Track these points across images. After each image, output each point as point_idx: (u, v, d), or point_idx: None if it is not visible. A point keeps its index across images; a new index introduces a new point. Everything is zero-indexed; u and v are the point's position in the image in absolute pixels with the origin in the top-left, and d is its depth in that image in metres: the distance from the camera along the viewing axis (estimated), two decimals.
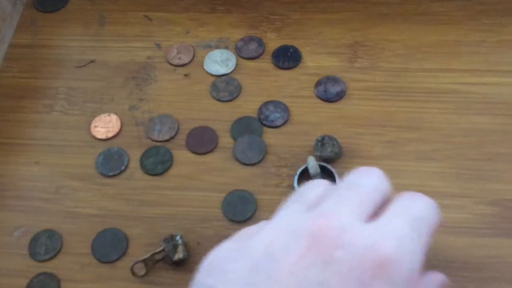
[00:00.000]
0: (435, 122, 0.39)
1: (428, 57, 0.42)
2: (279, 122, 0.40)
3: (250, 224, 0.36)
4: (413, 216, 0.22)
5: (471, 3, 0.44)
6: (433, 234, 0.23)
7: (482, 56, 0.41)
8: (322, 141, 0.37)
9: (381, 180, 0.24)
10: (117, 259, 0.36)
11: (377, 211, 0.23)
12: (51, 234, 0.37)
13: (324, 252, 0.20)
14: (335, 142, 0.37)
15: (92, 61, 0.44)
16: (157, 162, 0.39)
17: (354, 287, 0.19)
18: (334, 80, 0.41)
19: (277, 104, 0.41)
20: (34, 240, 0.36)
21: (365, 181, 0.24)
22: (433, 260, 0.34)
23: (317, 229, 0.21)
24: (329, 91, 0.41)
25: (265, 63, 0.43)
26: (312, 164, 0.36)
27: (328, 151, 0.37)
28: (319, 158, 0.37)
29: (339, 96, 0.41)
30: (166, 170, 0.39)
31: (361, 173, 0.25)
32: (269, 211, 0.36)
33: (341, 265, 0.20)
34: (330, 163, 0.38)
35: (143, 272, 0.35)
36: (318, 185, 0.25)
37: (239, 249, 0.22)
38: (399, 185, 0.36)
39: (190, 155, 0.39)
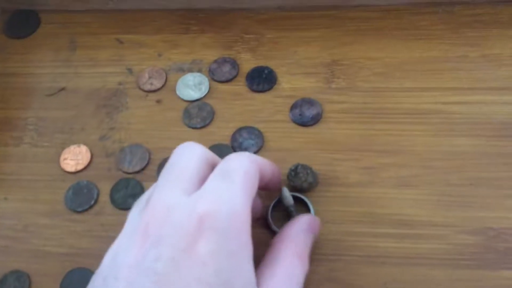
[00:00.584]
0: (415, 146, 0.37)
1: (409, 75, 0.40)
2: (252, 150, 0.38)
3: None
4: (223, 171, 0.25)
5: (455, 15, 0.42)
6: (253, 178, 0.26)
7: (465, 72, 0.39)
8: (295, 171, 0.36)
9: (195, 151, 0.27)
10: None
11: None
12: (19, 275, 0.36)
13: (154, 235, 0.23)
14: (309, 171, 0.36)
15: (62, 89, 0.43)
16: (127, 196, 0.38)
17: (186, 246, 0.22)
18: (309, 102, 0.40)
19: (251, 130, 0.39)
20: (2, 282, 0.35)
21: (179, 159, 0.27)
22: None
23: (147, 220, 0.24)
24: (305, 115, 0.39)
25: (239, 86, 0.41)
26: (286, 195, 0.34)
27: (302, 181, 0.36)
28: (293, 188, 0.36)
29: (315, 120, 0.39)
30: None
31: (175, 152, 0.27)
32: None
33: (169, 237, 0.22)
34: (305, 193, 0.36)
35: None
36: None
37: (96, 271, 0.25)
38: (374, 215, 0.35)
39: None
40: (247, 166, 0.26)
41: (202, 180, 0.26)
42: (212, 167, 0.27)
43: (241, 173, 0.25)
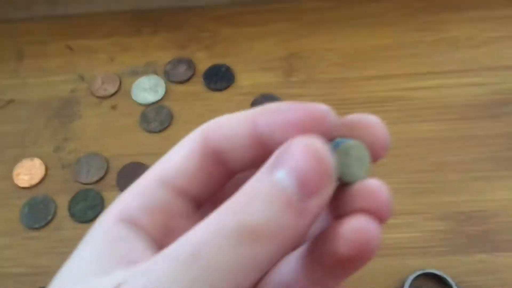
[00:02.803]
0: None
1: (367, 64, 0.39)
2: None
3: None
4: None
5: (408, 0, 0.42)
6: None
7: (422, 57, 0.39)
8: None
9: None
10: None
11: None
12: None
13: None
14: None
15: (11, 101, 0.41)
16: (86, 208, 0.36)
17: None
18: (270, 98, 0.39)
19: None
20: None
21: None
22: (385, 286, 0.32)
23: None
24: None
25: (197, 86, 0.40)
26: None
27: None
28: None
29: None
30: (97, 215, 0.36)
31: None
32: None
33: None
34: None
35: None
36: None
37: None
38: None
39: None
40: None
41: None
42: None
43: None
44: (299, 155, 0.13)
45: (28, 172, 0.38)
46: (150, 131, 0.39)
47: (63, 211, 0.36)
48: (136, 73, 0.41)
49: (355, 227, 0.14)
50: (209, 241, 0.13)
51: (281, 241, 0.13)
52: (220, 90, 0.40)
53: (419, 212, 0.34)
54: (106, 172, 0.37)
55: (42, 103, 0.41)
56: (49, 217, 0.36)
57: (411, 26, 0.41)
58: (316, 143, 0.13)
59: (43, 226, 0.36)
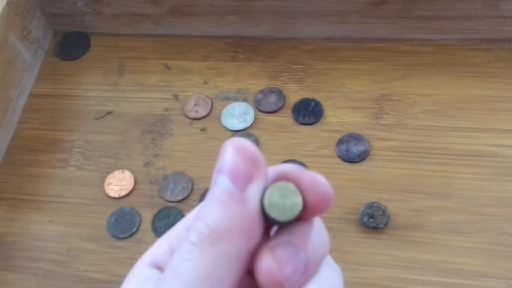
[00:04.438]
0: (467, 190, 0.36)
1: (462, 115, 0.38)
2: None
3: None
4: None
5: (511, 53, 0.41)
6: None
7: None
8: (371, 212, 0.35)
9: None
10: None
11: None
12: None
13: None
14: (384, 211, 0.35)
15: (109, 113, 0.44)
16: (169, 225, 0.37)
17: None
18: (357, 138, 0.39)
19: (295, 164, 0.38)
20: None
21: None
22: None
23: None
24: (351, 151, 0.38)
25: (285, 118, 0.41)
26: None
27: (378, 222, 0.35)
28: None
29: (362, 157, 0.38)
30: None
31: None
32: None
33: None
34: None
35: None
36: None
37: None
38: (423, 260, 0.34)
39: None
40: None
41: None
42: None
43: None
44: (228, 156, 0.16)
45: (119, 183, 0.40)
46: None
47: (146, 225, 0.38)
48: (227, 98, 0.43)
49: None
50: (182, 258, 0.15)
51: (239, 231, 0.15)
52: (307, 124, 0.40)
53: (504, 276, 0.32)
54: (190, 193, 0.39)
55: (138, 117, 0.43)
56: (134, 229, 0.38)
57: None
58: (241, 141, 0.16)
59: (127, 237, 0.38)
